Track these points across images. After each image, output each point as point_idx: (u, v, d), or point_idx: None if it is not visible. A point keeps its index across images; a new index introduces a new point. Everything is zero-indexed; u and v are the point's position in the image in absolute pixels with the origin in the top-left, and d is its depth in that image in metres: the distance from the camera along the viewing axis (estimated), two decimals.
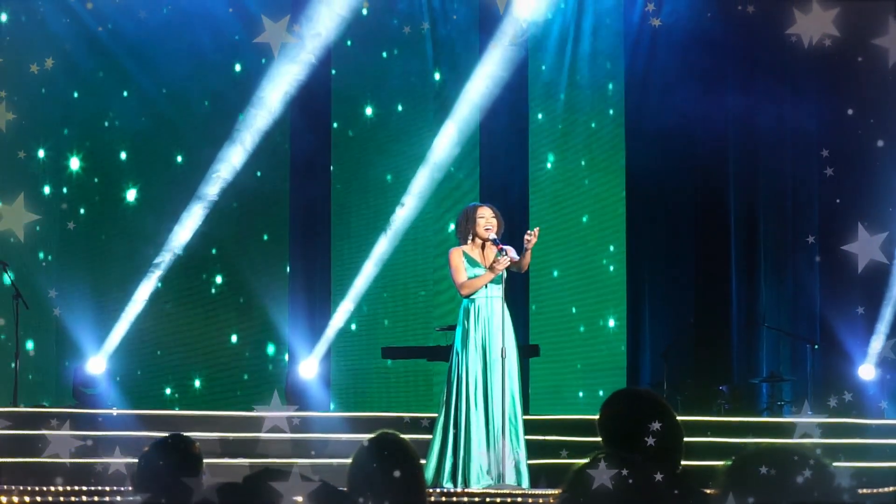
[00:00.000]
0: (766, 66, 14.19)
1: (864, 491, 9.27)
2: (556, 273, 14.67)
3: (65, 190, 13.87)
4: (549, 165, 14.85)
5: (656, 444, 3.82)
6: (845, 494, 3.14)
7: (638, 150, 14.64)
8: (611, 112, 14.96)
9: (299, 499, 3.96)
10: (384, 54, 14.39)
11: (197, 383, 13.83)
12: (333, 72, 14.01)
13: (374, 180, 14.46)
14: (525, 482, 9.16)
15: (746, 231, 14.79)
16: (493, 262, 9.14)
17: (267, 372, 13.93)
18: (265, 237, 14.12)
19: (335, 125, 14.22)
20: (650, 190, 14.72)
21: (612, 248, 14.94)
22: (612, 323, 14.79)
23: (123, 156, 13.99)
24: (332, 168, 14.11)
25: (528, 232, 9.04)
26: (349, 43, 14.14)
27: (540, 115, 14.70)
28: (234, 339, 13.96)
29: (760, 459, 3.27)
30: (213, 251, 13.93)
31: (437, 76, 14.46)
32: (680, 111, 14.10)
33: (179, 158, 14.05)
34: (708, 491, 3.71)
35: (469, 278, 9.23)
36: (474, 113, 13.95)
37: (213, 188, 13.46)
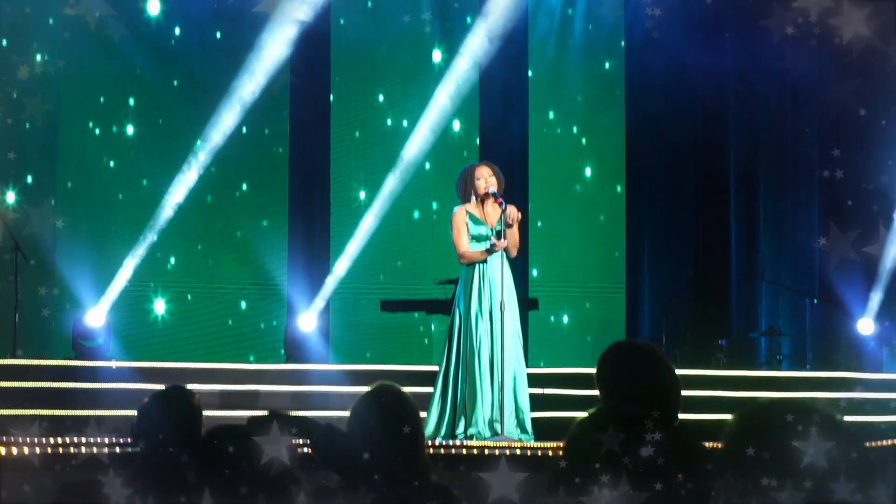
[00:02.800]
0: (766, 15, 14.07)
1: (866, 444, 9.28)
2: (555, 226, 14.64)
3: (62, 147, 13.78)
4: (548, 118, 14.80)
5: (654, 396, 3.81)
6: (853, 450, 3.13)
7: (637, 103, 14.58)
8: (610, 65, 14.91)
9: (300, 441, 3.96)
10: (385, 14, 14.30)
11: (195, 335, 13.81)
12: (333, 28, 13.91)
13: (374, 133, 14.41)
14: (528, 436, 9.15)
15: (746, 185, 14.75)
16: (491, 245, 9.12)
17: (266, 325, 13.93)
18: (264, 191, 14.07)
19: (335, 78, 14.15)
20: (650, 142, 14.68)
21: (610, 202, 14.91)
22: (610, 277, 14.78)
23: (132, 101, 13.88)
24: (331, 120, 14.05)
25: (507, 215, 9.03)
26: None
27: (539, 69, 14.64)
28: (232, 292, 13.94)
29: (771, 412, 3.25)
30: (212, 204, 13.88)
31: (437, 31, 14.40)
32: (680, 63, 14.02)
33: (180, 109, 13.95)
34: (707, 444, 3.71)
35: (470, 237, 9.22)
36: (474, 65, 13.90)
37: (211, 142, 13.41)
